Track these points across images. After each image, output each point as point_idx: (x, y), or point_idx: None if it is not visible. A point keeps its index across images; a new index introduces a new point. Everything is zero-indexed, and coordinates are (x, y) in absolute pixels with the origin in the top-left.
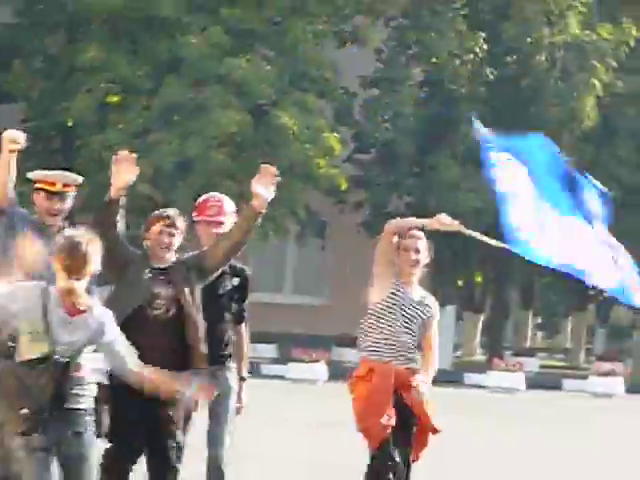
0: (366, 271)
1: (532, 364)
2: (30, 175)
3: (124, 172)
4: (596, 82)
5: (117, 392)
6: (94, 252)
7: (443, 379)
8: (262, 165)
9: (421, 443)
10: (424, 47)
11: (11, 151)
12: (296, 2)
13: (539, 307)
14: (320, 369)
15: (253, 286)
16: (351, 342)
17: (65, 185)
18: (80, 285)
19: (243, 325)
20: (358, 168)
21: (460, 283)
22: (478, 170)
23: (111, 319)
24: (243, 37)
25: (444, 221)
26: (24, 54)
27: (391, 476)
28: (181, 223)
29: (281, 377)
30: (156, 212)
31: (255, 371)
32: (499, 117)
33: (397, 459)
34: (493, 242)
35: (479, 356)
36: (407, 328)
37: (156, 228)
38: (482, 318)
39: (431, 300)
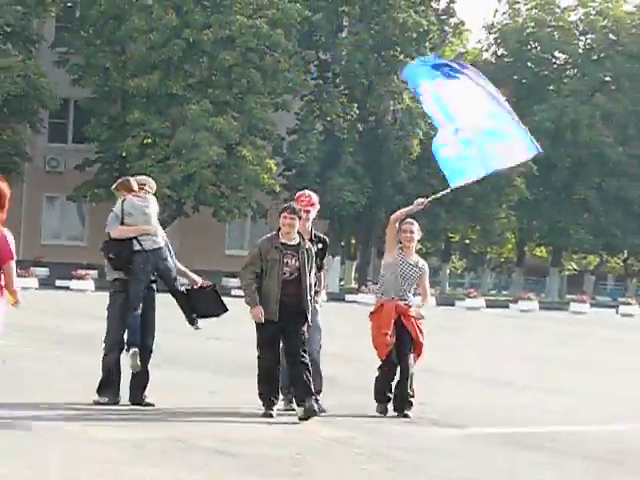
0: None
1: None
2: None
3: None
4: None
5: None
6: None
7: (332, 299)
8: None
9: (419, 354)
10: (323, 112)
11: None
12: (250, 85)
13: None
14: None
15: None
16: None
17: (141, 185)
18: None
19: (322, 272)
20: (285, 180)
21: (342, 243)
22: (355, 181)
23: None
24: (220, 105)
25: (419, 202)
26: (97, 115)
27: (394, 377)
28: (302, 213)
29: None
30: (284, 205)
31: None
32: (366, 150)
33: (397, 365)
34: (439, 194)
35: (353, 285)
36: (404, 279)
37: (283, 217)
38: (355, 263)
39: (423, 262)
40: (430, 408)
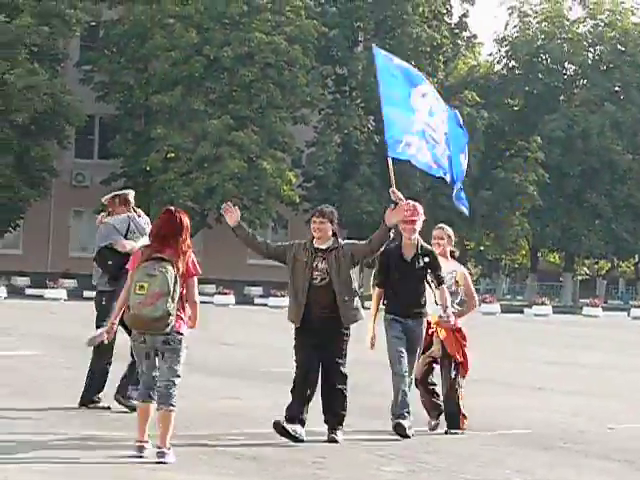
0: None
1: None
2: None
3: (230, 214)
4: None
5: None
6: None
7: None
8: (397, 200)
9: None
10: (340, 125)
11: None
12: (270, 99)
13: None
14: None
15: None
16: None
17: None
18: None
19: (443, 285)
20: (305, 191)
21: None
22: (373, 192)
23: None
24: (240, 119)
25: (398, 195)
26: (122, 130)
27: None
28: (330, 216)
29: None
30: (312, 211)
31: None
32: (382, 161)
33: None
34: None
35: (371, 292)
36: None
37: (313, 221)
38: (373, 271)
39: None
40: None
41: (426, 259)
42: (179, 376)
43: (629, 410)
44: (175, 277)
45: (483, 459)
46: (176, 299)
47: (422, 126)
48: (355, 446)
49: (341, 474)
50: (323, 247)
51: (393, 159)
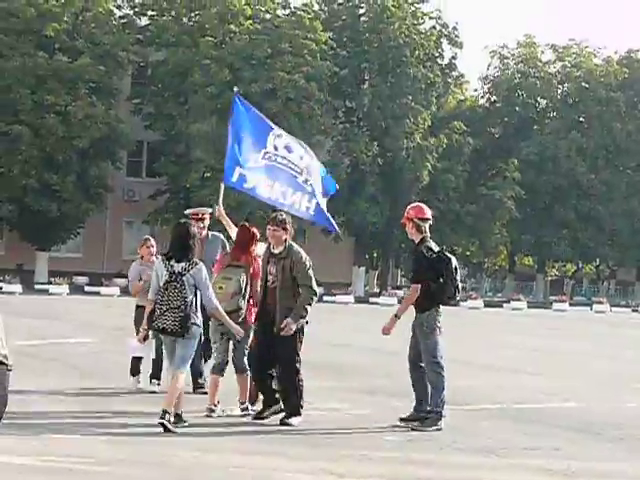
0: (325, 252)
1: (400, 294)
2: (186, 212)
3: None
4: (428, 164)
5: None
6: None
7: (358, 301)
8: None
9: None
10: (349, 149)
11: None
12: (290, 128)
13: (404, 267)
14: None
15: None
16: None
17: (203, 214)
18: None
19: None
20: None
21: (367, 256)
22: (377, 205)
23: None
24: None
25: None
26: (166, 154)
27: None
28: (283, 224)
29: None
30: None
31: None
32: (384, 179)
33: None
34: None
35: (375, 290)
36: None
37: (267, 228)
38: (376, 272)
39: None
40: None
41: None
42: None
43: (592, 389)
44: (245, 280)
45: (468, 431)
46: (246, 297)
47: (271, 162)
48: (364, 420)
49: (350, 442)
50: (276, 252)
51: (228, 185)
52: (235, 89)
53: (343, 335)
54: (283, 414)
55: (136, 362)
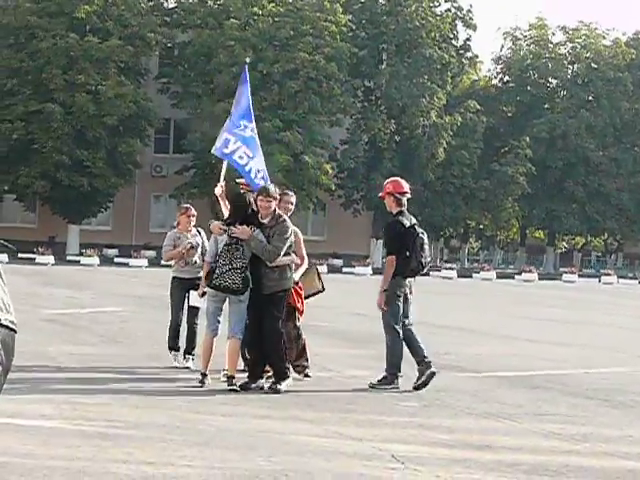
0: (344, 225)
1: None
2: (237, 181)
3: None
4: (444, 141)
5: None
6: None
7: (376, 273)
8: None
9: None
10: (367, 127)
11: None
12: (311, 107)
13: None
14: None
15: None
16: None
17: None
18: None
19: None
20: (339, 180)
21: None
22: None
23: None
24: (287, 122)
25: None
26: (192, 131)
27: None
28: (274, 195)
29: None
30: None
31: None
32: (401, 156)
33: None
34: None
35: None
36: None
37: (260, 200)
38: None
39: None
40: (454, 357)
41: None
42: None
43: (602, 357)
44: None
45: (481, 396)
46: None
47: (255, 135)
48: (378, 387)
49: (366, 407)
50: (265, 221)
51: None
52: (247, 59)
53: (362, 305)
54: (272, 380)
55: (174, 335)
